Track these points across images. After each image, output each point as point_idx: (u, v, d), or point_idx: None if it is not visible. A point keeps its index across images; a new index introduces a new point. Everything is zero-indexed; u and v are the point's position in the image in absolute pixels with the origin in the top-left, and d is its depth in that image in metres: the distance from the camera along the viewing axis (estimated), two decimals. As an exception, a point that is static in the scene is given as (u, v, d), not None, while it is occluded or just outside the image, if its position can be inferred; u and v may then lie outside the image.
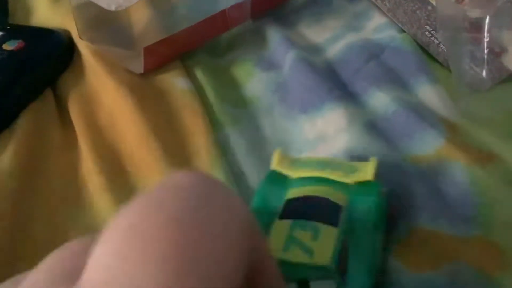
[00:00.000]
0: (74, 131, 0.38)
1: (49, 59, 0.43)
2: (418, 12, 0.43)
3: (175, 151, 0.36)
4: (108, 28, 0.42)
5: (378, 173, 0.27)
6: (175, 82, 0.41)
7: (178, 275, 0.13)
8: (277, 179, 0.27)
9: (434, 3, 0.42)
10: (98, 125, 0.38)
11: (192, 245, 0.14)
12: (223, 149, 0.36)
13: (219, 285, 0.14)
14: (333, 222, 0.23)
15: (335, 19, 0.46)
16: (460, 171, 0.32)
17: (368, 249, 0.24)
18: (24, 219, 0.33)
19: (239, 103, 0.40)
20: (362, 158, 0.31)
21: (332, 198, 0.25)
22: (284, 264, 0.21)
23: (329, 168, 0.27)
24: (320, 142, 0.36)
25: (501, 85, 0.39)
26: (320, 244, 0.22)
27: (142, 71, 0.41)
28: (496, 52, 0.40)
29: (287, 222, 0.23)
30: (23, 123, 0.38)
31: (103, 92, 0.40)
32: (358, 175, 0.27)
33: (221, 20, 0.43)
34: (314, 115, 0.37)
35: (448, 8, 0.40)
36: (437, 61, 0.41)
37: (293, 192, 0.26)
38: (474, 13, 0.39)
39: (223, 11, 0.42)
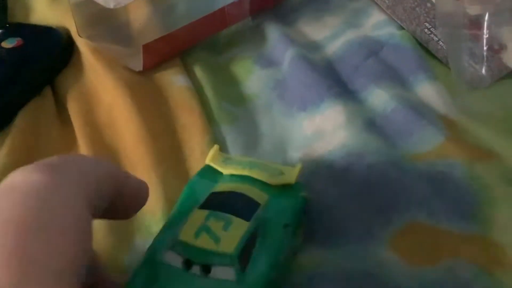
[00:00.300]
0: (72, 129, 0.38)
1: (48, 56, 0.43)
2: (417, 9, 0.42)
3: (172, 149, 0.36)
4: (107, 25, 0.42)
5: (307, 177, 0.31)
6: (173, 80, 0.41)
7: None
8: (210, 174, 0.29)
9: (433, 0, 0.42)
10: (96, 123, 0.38)
11: (27, 247, 0.16)
12: (221, 147, 0.36)
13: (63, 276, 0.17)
14: (246, 217, 0.25)
15: (334, 16, 0.46)
16: (459, 168, 0.32)
17: (274, 246, 0.25)
18: None
19: (238, 100, 0.40)
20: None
21: (253, 196, 0.27)
22: (193, 249, 0.23)
23: (257, 168, 0.29)
24: (318, 138, 0.35)
25: (500, 82, 0.39)
26: (229, 235, 0.24)
27: (141, 69, 0.41)
28: (496, 49, 0.40)
29: (204, 212, 0.25)
30: (22, 120, 0.38)
31: (102, 90, 0.40)
32: (282, 178, 0.28)
33: (220, 18, 0.43)
34: (313, 112, 0.37)
35: (447, 5, 0.39)
36: (436, 58, 0.41)
37: (220, 187, 0.28)
38: (473, 10, 0.39)
39: (222, 9, 0.42)
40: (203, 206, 0.26)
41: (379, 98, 0.37)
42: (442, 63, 0.41)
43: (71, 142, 0.38)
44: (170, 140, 0.37)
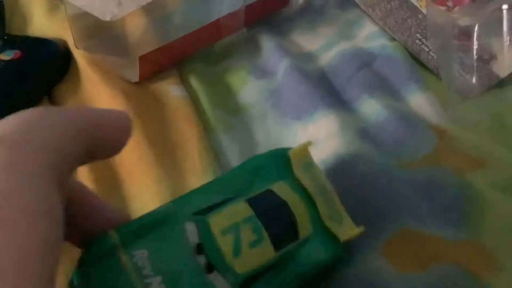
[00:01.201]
0: None
1: (46, 68, 0.43)
2: (409, 20, 0.43)
3: (168, 158, 0.36)
4: (104, 37, 0.43)
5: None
6: (169, 90, 0.41)
7: None
8: (282, 164, 0.27)
9: (424, 11, 0.43)
10: None
11: None
12: (216, 154, 0.37)
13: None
14: (277, 246, 0.24)
15: (328, 27, 0.47)
16: (450, 177, 0.32)
17: (279, 285, 0.24)
18: None
19: (233, 110, 0.41)
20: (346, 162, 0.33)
21: (300, 224, 0.25)
22: (211, 242, 0.22)
23: (324, 198, 0.27)
24: (311, 147, 0.36)
25: (490, 91, 0.40)
26: (250, 255, 0.23)
27: (138, 80, 0.41)
28: (485, 59, 0.41)
29: (247, 211, 0.24)
30: None
31: (98, 101, 0.41)
32: (337, 227, 0.27)
33: (215, 29, 0.43)
34: (306, 121, 0.38)
35: (438, 17, 0.40)
36: (427, 69, 0.42)
37: (280, 186, 0.26)
38: (463, 21, 0.39)
39: (217, 20, 0.43)
40: (250, 202, 0.24)
41: (371, 108, 0.38)
42: (433, 73, 0.42)
43: None
44: (166, 148, 0.37)
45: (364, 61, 0.42)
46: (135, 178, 0.35)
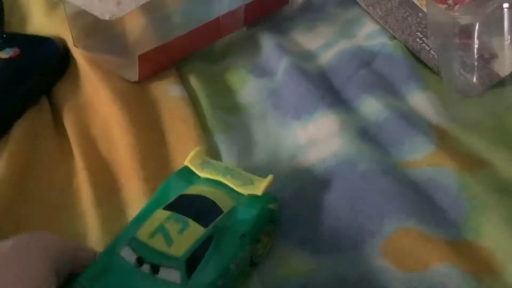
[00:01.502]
0: (68, 140, 0.38)
1: (45, 67, 0.43)
2: (409, 19, 0.43)
3: (167, 161, 0.36)
4: (103, 36, 0.42)
5: (276, 189, 0.31)
6: (168, 90, 0.41)
7: None
8: (187, 175, 0.31)
9: (425, 10, 0.42)
10: (92, 135, 0.38)
11: None
12: (215, 155, 0.36)
13: None
14: (204, 223, 0.26)
15: (328, 26, 0.47)
16: (450, 177, 0.32)
17: (226, 255, 0.26)
18: (15, 227, 0.33)
19: (232, 109, 0.40)
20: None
21: (219, 202, 0.28)
22: (146, 248, 0.25)
23: (230, 175, 0.30)
24: (311, 146, 0.36)
25: (491, 90, 0.39)
26: (182, 239, 0.25)
27: (137, 79, 0.41)
28: (486, 58, 0.40)
29: (166, 213, 0.27)
30: (18, 131, 0.38)
31: (97, 100, 0.40)
32: (251, 188, 0.29)
33: (215, 28, 0.43)
34: (306, 121, 0.38)
35: (438, 15, 0.40)
36: (428, 67, 0.42)
37: (191, 189, 0.29)
38: (464, 20, 0.39)
39: (217, 19, 0.43)
40: (167, 207, 0.27)
41: (371, 107, 0.37)
42: (433, 72, 0.42)
43: (67, 154, 0.38)
44: (164, 151, 0.37)
45: (364, 60, 0.42)
46: (134, 183, 0.34)
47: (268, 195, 0.29)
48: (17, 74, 0.41)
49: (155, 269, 0.24)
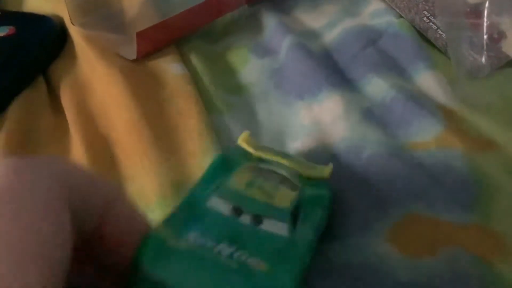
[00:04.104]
0: (65, 119, 0.38)
1: (41, 45, 0.42)
2: (416, -4, 0.42)
3: (167, 138, 0.35)
4: (100, 13, 0.42)
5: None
6: (168, 68, 0.40)
7: None
8: (240, 153, 0.29)
9: (432, -13, 0.41)
10: (89, 113, 0.38)
11: None
12: (217, 135, 0.35)
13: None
14: (292, 188, 0.25)
15: (332, 4, 0.45)
16: (459, 158, 0.31)
17: (315, 221, 0.25)
18: None
19: (234, 89, 0.40)
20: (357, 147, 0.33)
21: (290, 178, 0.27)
22: (245, 198, 0.23)
23: (287, 158, 0.28)
24: (316, 128, 0.35)
25: (500, 71, 0.39)
26: (281, 194, 0.24)
27: (135, 57, 0.40)
28: (495, 38, 0.40)
29: (251, 170, 0.26)
30: (15, 110, 0.38)
31: (95, 79, 0.40)
32: (315, 170, 0.28)
33: (216, 5, 0.42)
34: (310, 101, 0.37)
35: (447, -7, 0.39)
36: (435, 47, 0.41)
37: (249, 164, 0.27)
38: (473, -1, 0.38)
39: (218, -4, 0.42)
40: (248, 167, 0.26)
41: (377, 87, 0.37)
42: (441, 52, 0.40)
43: (64, 132, 0.37)
44: (164, 128, 0.36)
45: (370, 39, 0.41)
46: (132, 159, 0.34)
47: (326, 183, 0.28)
48: (13, 52, 0.40)
49: (257, 220, 0.22)
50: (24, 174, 0.16)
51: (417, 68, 0.38)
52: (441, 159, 0.32)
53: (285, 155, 0.29)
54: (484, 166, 0.31)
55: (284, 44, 0.41)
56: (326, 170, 0.28)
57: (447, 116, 0.35)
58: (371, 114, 0.35)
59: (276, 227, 0.22)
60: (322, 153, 0.33)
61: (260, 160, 0.28)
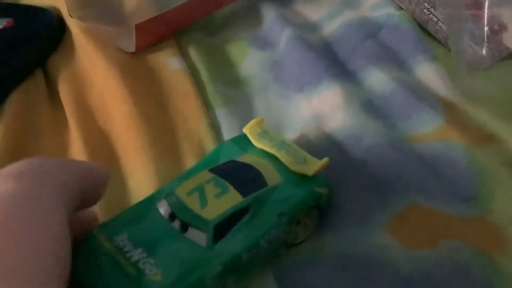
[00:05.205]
0: (64, 112, 0.37)
1: (39, 37, 0.42)
2: (416, -12, 0.42)
3: (166, 134, 0.35)
4: (99, 5, 0.41)
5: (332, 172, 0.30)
6: (167, 62, 0.40)
7: None
8: (243, 142, 0.30)
9: (433, -21, 0.41)
10: (88, 106, 0.37)
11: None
12: (216, 130, 0.35)
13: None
14: (244, 193, 0.26)
15: (332, -4, 0.45)
16: (459, 151, 0.31)
17: (258, 230, 0.25)
18: None
19: (233, 82, 0.39)
20: (356, 138, 0.33)
21: (267, 176, 0.27)
22: (180, 205, 0.25)
23: (284, 150, 0.29)
24: (315, 120, 0.35)
25: (501, 63, 0.38)
26: (217, 203, 0.25)
27: (134, 50, 0.40)
28: (496, 29, 0.39)
29: (209, 175, 0.26)
30: (13, 103, 0.37)
31: (93, 72, 0.39)
32: (303, 166, 0.28)
33: (215, -3, 0.42)
34: (310, 93, 0.37)
35: (447, -15, 0.39)
36: (435, 39, 0.41)
37: (243, 157, 0.29)
38: (474, -10, 0.38)
39: (217, -12, 0.41)
40: (212, 169, 0.27)
41: (377, 79, 0.36)
42: (441, 44, 0.40)
43: (63, 125, 0.37)
44: (163, 123, 0.36)
45: (370, 31, 0.41)
46: (131, 155, 0.34)
47: (319, 178, 0.28)
48: (11, 45, 0.40)
49: (184, 227, 0.24)
50: (27, 182, 0.19)
51: (417, 60, 0.38)
52: (441, 151, 0.32)
53: (284, 145, 0.29)
54: (484, 158, 0.31)
55: (283, 36, 0.41)
56: (314, 167, 0.28)
57: (447, 108, 0.34)
58: (371, 106, 0.35)
59: (197, 236, 0.24)
60: (321, 143, 0.33)
61: (261, 150, 0.30)
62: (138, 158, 0.33)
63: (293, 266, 0.27)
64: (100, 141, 0.35)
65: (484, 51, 0.38)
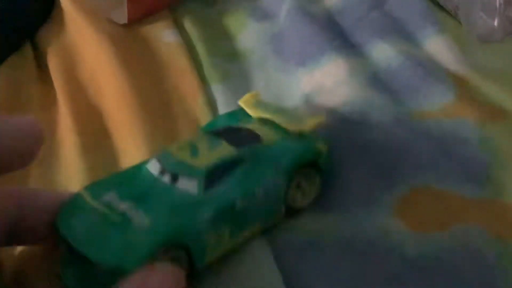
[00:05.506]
0: (53, 87, 0.36)
1: (27, 9, 0.40)
2: (425, -44, 0.40)
3: (159, 110, 0.34)
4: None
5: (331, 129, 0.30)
6: (162, 35, 0.39)
7: None
8: (240, 115, 0.30)
9: None
10: (78, 81, 0.36)
11: None
12: (213, 106, 0.35)
13: None
14: (238, 146, 0.25)
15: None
16: (470, 128, 0.31)
17: (254, 178, 0.25)
18: None
19: (230, 56, 0.39)
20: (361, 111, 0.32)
21: (264, 137, 0.27)
22: (170, 159, 0.24)
23: (282, 113, 0.29)
24: (317, 95, 0.34)
25: (513, 36, 0.37)
26: (209, 154, 0.25)
27: (126, 21, 0.39)
28: (509, 1, 0.38)
29: (202, 134, 0.27)
30: (0, 78, 0.36)
31: (84, 45, 0.38)
32: (299, 124, 0.28)
33: (212, -34, 0.41)
34: (312, 67, 0.36)
35: (458, -48, 0.37)
36: (444, 10, 0.40)
37: (240, 125, 0.29)
38: (486, -42, 0.36)
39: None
40: (206, 132, 0.27)
41: (383, 52, 0.36)
42: (451, 16, 0.39)
43: (52, 100, 0.36)
44: (157, 99, 0.35)
45: (375, 1, 0.40)
46: (123, 132, 0.33)
47: (317, 136, 0.28)
48: (-3, 17, 0.39)
49: (174, 178, 0.24)
50: None
51: (425, 32, 0.37)
52: (451, 129, 0.31)
53: (280, 109, 0.29)
54: (496, 136, 0.30)
55: (283, 7, 0.40)
56: (309, 123, 0.28)
57: (457, 83, 0.34)
58: (377, 80, 0.34)
59: (188, 185, 0.23)
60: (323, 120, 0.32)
61: (259, 119, 0.29)
62: (130, 135, 0.32)
63: (293, 248, 0.26)
64: (90, 117, 0.34)
65: (496, 23, 0.37)
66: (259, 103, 0.30)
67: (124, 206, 0.22)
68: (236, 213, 0.24)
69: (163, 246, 0.21)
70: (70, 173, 0.31)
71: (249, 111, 0.30)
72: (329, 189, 0.28)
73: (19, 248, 0.26)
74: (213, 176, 0.24)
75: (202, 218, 0.22)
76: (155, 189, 0.24)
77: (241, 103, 0.30)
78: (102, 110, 0.35)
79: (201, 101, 0.34)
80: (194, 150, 0.25)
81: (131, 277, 0.19)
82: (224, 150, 0.25)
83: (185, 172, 0.24)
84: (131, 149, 0.32)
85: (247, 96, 0.30)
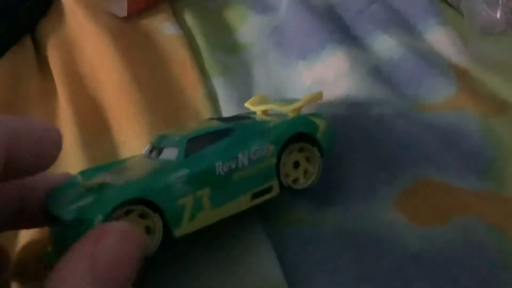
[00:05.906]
0: (53, 80, 0.36)
1: (27, 2, 0.40)
2: None
3: (160, 102, 0.34)
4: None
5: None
6: (161, 27, 0.39)
7: None
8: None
9: None
10: (78, 74, 0.36)
11: None
12: (213, 100, 0.34)
13: None
14: (228, 121, 0.26)
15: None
16: (472, 121, 0.30)
17: (239, 145, 0.24)
18: None
19: (231, 49, 0.38)
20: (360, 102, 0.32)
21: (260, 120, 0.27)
22: (158, 137, 0.25)
23: (282, 101, 0.29)
24: (318, 87, 0.33)
25: (516, 28, 0.37)
26: (197, 128, 0.25)
27: (126, 14, 0.39)
28: (511, -8, 0.37)
29: (204, 120, 0.28)
30: (0, 71, 0.36)
31: (84, 38, 0.38)
32: (296, 102, 0.27)
33: (212, -42, 0.40)
34: (313, 60, 0.35)
35: None
36: (446, 2, 0.39)
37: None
38: (489, -51, 0.36)
39: None
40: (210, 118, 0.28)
41: (385, 44, 0.35)
42: (452, 7, 0.39)
43: (51, 93, 0.36)
44: (157, 91, 0.34)
45: (377, -7, 0.39)
46: (123, 124, 0.33)
47: (316, 112, 0.27)
48: (-2, 10, 0.39)
49: (159, 152, 0.24)
50: None
51: (427, 24, 0.37)
52: (453, 122, 0.30)
53: (279, 99, 0.30)
54: (499, 129, 0.30)
55: (284, 0, 0.39)
56: (304, 99, 0.27)
57: (459, 76, 0.33)
58: (378, 73, 0.34)
59: (169, 154, 0.24)
60: (324, 112, 0.32)
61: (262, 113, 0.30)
62: (130, 127, 0.32)
63: (294, 240, 0.26)
64: (90, 109, 0.34)
65: (498, 15, 0.37)
66: (263, 100, 0.30)
67: (107, 177, 0.23)
68: (217, 178, 0.23)
69: (131, 202, 0.21)
70: (70, 164, 0.31)
71: (254, 108, 0.29)
72: (330, 181, 0.28)
73: (20, 238, 0.26)
74: (195, 144, 0.24)
75: (175, 177, 0.22)
76: (140, 164, 0.24)
77: (247, 104, 0.30)
78: (102, 103, 0.35)
79: (201, 93, 0.34)
80: (183, 128, 0.25)
81: (86, 234, 0.18)
82: (212, 124, 0.25)
83: (169, 143, 0.24)
84: (131, 141, 0.32)
85: (253, 98, 0.30)
